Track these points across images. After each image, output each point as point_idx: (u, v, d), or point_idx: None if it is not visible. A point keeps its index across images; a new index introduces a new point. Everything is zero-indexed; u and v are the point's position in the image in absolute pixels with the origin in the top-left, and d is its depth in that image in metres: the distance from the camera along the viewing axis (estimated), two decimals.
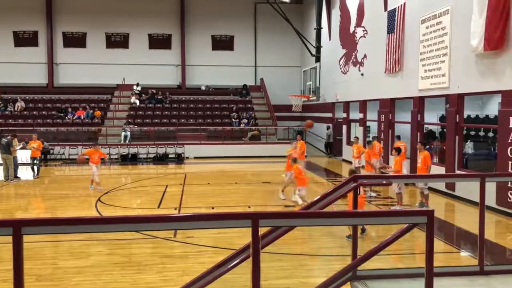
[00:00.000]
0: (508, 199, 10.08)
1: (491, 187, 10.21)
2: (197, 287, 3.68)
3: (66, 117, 25.00)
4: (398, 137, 14.58)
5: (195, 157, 22.75)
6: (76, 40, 29.24)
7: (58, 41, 29.15)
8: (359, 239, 4.66)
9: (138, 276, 6.59)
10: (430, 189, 13.28)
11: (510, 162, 10.05)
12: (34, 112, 25.63)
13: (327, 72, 23.35)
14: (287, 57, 30.67)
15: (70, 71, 29.14)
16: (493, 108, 14.93)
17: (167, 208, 11.31)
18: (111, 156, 22.03)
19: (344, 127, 22.01)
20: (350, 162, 18.40)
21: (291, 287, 6.20)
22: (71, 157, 21.78)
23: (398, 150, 11.10)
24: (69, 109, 25.62)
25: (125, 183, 16.14)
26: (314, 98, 23.26)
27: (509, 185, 10.03)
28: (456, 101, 12.42)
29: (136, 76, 28.55)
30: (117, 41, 29.60)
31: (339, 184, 4.37)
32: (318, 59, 23.62)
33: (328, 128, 24.41)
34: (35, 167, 16.68)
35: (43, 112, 25.67)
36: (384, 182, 5.94)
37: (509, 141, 10.07)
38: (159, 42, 29.96)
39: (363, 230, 8.62)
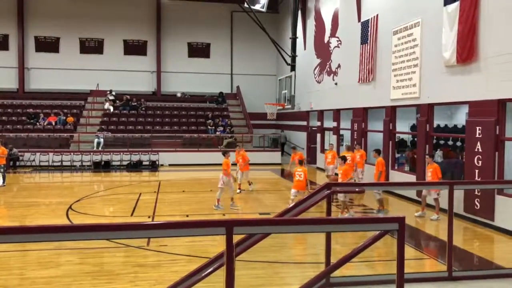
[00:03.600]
0: (475, 207, 10.39)
1: (459, 194, 10.51)
2: None
3: (38, 123, 24.36)
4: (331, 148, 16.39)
5: (170, 165, 22.53)
6: (48, 45, 28.62)
7: (30, 45, 28.47)
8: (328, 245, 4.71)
9: (109, 285, 6.46)
10: (401, 197, 13.59)
11: (477, 171, 10.38)
12: (3, 118, 24.88)
13: (302, 81, 23.60)
14: (263, 65, 30.91)
15: (42, 76, 28.47)
16: (461, 118, 15.40)
17: (140, 216, 11.15)
18: (84, 163, 21.60)
19: (318, 135, 22.27)
20: (324, 170, 18.60)
21: None
22: (41, 163, 21.23)
23: (344, 159, 11.75)
24: (41, 115, 24.99)
25: (98, 190, 15.82)
26: (289, 106, 23.46)
27: (476, 192, 10.35)
28: (426, 111, 12.78)
29: (111, 82, 28.15)
30: (91, 47, 29.14)
31: (313, 191, 4.43)
32: (293, 68, 23.84)
33: (282, 131, 28.97)
34: (0, 175, 15.87)
35: (13, 118, 24.95)
36: (357, 189, 6.06)
37: (476, 150, 10.41)
38: (134, 48, 29.67)
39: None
